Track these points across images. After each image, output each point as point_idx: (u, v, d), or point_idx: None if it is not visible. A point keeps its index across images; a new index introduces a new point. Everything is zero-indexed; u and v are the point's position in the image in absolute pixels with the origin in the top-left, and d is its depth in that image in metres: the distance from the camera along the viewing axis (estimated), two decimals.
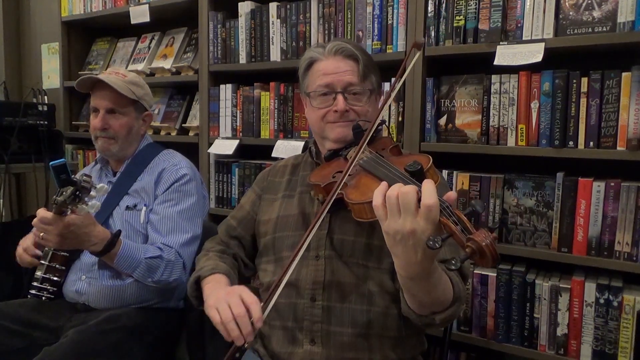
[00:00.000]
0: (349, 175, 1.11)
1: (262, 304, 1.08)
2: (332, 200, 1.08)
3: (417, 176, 0.94)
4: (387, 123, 1.81)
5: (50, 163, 1.29)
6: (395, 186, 0.88)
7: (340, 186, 1.09)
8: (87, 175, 1.32)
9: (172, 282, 1.56)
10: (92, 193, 1.32)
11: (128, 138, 1.71)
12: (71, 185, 1.29)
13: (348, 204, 1.05)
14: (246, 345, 1.05)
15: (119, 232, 1.49)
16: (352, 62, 1.26)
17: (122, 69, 1.74)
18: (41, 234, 1.38)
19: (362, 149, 1.12)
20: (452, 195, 0.88)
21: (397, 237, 0.88)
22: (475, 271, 1.67)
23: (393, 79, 1.80)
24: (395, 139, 1.81)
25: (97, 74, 1.68)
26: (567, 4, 1.53)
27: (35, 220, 1.38)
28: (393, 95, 1.24)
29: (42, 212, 1.37)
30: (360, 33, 1.86)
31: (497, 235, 0.82)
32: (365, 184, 1.06)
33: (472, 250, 0.79)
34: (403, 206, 0.85)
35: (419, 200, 0.85)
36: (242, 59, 2.17)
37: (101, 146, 1.70)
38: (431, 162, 1.03)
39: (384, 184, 0.93)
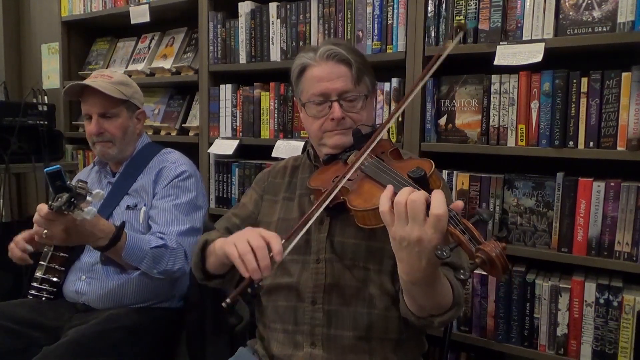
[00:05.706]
0: (351, 180, 1.10)
1: (283, 241, 1.04)
2: (326, 203, 1.07)
3: (420, 183, 0.93)
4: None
5: (45, 170, 1.27)
6: (405, 192, 0.87)
7: (341, 190, 1.08)
8: (82, 182, 1.31)
9: (177, 271, 1.55)
10: (88, 199, 1.30)
11: (125, 139, 1.70)
12: (66, 192, 1.27)
13: (351, 210, 1.04)
14: (261, 283, 1.01)
15: (124, 223, 1.48)
16: (344, 68, 1.22)
17: (108, 69, 1.73)
18: (44, 231, 1.34)
19: (362, 155, 1.11)
20: (459, 204, 0.88)
21: (403, 243, 0.88)
22: (475, 271, 1.66)
23: (394, 81, 1.81)
24: (395, 139, 1.81)
25: (84, 79, 1.67)
26: (567, 4, 1.53)
27: (36, 217, 1.34)
28: (410, 98, 1.20)
29: (43, 207, 1.32)
30: (360, 33, 1.86)
31: (506, 244, 0.82)
32: (368, 190, 1.05)
33: (481, 261, 0.79)
34: (411, 214, 0.85)
35: (427, 207, 0.85)
36: (242, 59, 2.17)
37: (100, 151, 1.70)
38: (433, 167, 1.02)
39: (389, 188, 0.92)
